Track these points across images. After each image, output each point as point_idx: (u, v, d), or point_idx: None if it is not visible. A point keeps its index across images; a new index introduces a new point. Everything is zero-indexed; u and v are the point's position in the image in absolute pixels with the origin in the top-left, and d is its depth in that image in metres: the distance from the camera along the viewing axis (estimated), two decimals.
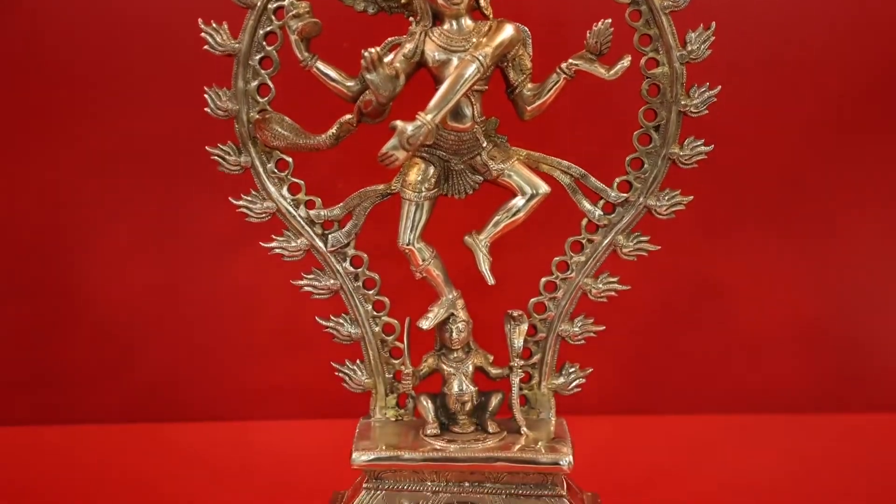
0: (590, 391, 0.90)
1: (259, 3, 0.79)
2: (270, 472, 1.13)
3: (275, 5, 0.80)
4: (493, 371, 0.87)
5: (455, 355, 0.87)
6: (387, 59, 0.78)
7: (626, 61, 0.79)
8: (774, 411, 1.25)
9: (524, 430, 0.86)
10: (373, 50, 0.76)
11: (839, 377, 1.26)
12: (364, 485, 0.85)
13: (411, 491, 0.85)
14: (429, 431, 0.86)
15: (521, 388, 0.87)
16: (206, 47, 0.80)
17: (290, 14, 0.78)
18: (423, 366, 0.87)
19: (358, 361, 0.89)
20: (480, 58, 0.77)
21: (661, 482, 1.09)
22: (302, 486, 1.07)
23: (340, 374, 0.89)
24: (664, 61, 0.80)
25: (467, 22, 0.79)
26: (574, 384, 0.89)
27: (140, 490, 1.09)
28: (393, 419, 0.90)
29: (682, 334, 1.26)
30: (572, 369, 0.89)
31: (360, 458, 0.84)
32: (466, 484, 0.85)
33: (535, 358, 0.89)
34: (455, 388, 0.86)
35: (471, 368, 0.87)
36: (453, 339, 0.86)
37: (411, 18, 0.80)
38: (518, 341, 0.85)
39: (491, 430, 0.86)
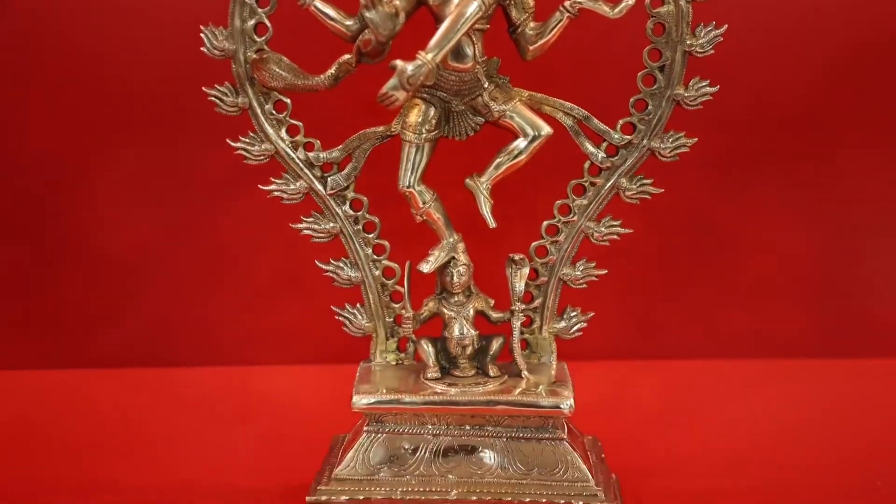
0: (591, 336, 0.90)
1: None
2: (270, 417, 1.13)
3: None
4: (495, 315, 0.87)
5: (456, 299, 0.86)
6: None
7: (630, 0, 0.77)
8: (775, 356, 1.25)
9: (525, 373, 0.86)
10: None
11: (841, 322, 1.26)
12: (365, 428, 0.85)
13: (412, 434, 0.85)
14: (429, 375, 0.86)
15: (522, 332, 0.87)
16: None
17: None
18: (423, 310, 0.87)
19: (358, 305, 0.89)
20: None
21: (661, 427, 1.09)
22: (302, 431, 1.07)
23: (340, 318, 0.89)
24: (670, 0, 0.78)
25: None
26: (575, 328, 0.89)
27: (140, 434, 1.09)
28: (393, 363, 0.89)
29: (684, 279, 1.26)
30: (574, 313, 0.89)
31: (360, 401, 0.84)
32: (467, 427, 0.85)
33: (537, 302, 0.88)
34: (456, 332, 0.86)
35: (472, 312, 0.86)
36: (454, 282, 0.85)
37: None
38: (519, 285, 0.85)
39: (492, 374, 0.86)
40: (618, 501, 0.87)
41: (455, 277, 0.85)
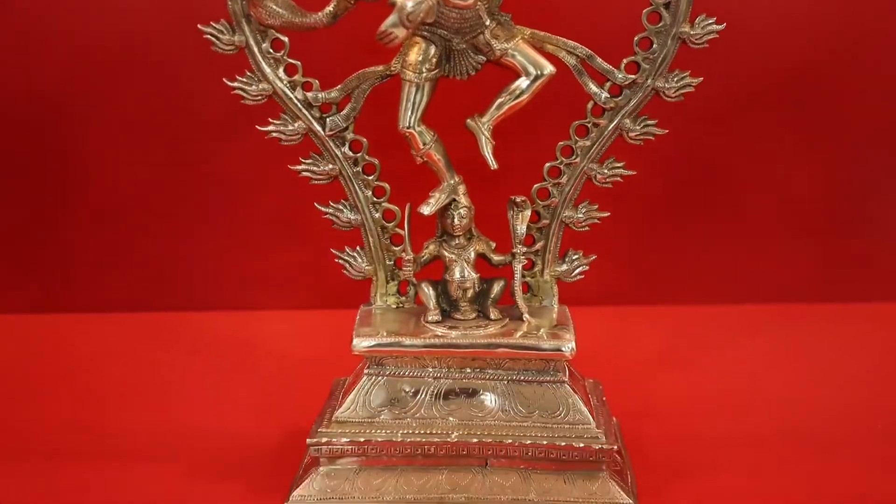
0: (592, 282, 0.90)
1: None
2: (271, 362, 1.13)
3: None
4: (496, 258, 0.86)
5: (457, 242, 0.86)
6: None
7: None
8: (777, 301, 1.25)
9: (526, 316, 0.85)
10: None
11: (844, 266, 1.26)
12: (365, 371, 0.85)
13: (412, 377, 0.84)
14: (430, 318, 0.85)
15: (523, 276, 0.86)
16: None
17: None
18: (424, 252, 0.86)
19: (358, 248, 0.88)
20: None
21: (663, 371, 1.10)
22: (303, 375, 1.07)
23: (340, 261, 0.88)
24: None
25: None
26: (577, 271, 0.88)
27: (140, 378, 1.09)
28: (394, 306, 0.89)
29: (685, 223, 1.25)
30: (575, 256, 0.88)
31: (360, 343, 0.83)
32: (468, 370, 0.84)
33: (538, 245, 0.87)
34: (457, 275, 0.85)
35: (473, 255, 0.86)
36: (455, 225, 0.84)
37: None
38: (521, 227, 0.84)
39: (493, 317, 0.85)
40: (619, 444, 0.87)
41: (456, 220, 0.84)
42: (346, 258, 0.88)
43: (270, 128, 0.84)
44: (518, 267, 0.85)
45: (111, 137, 1.23)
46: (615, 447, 0.82)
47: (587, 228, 0.87)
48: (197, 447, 0.93)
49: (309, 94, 0.82)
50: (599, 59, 0.82)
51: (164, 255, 1.26)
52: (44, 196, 1.25)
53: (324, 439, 0.83)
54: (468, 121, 0.81)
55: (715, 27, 0.79)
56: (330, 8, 0.78)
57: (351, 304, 0.90)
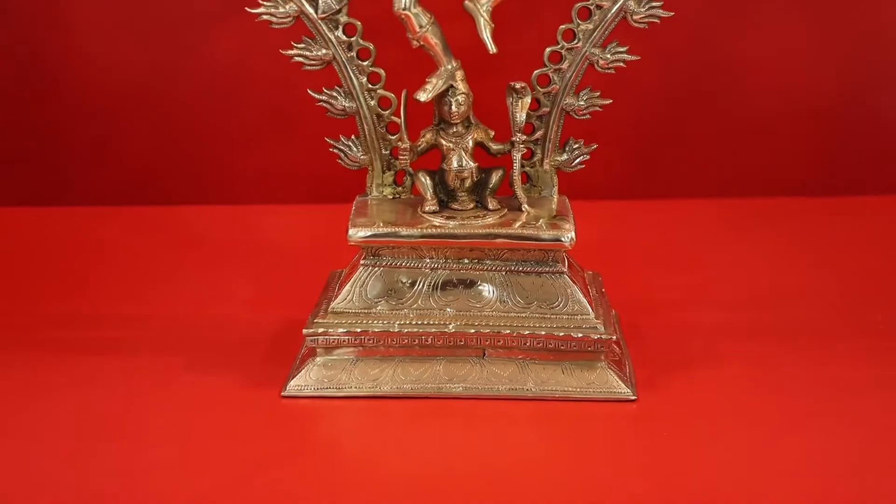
0: (593, 174, 0.88)
1: None
2: (266, 255, 1.12)
3: None
4: (494, 146, 0.84)
5: (454, 130, 0.83)
6: None
7: None
8: (782, 194, 1.23)
9: (525, 207, 0.84)
10: None
11: (849, 158, 1.24)
12: (361, 262, 0.84)
13: (409, 268, 0.83)
14: (427, 208, 0.84)
15: (522, 165, 0.84)
16: None
17: None
18: (420, 141, 0.84)
19: (353, 137, 0.86)
20: None
21: (663, 265, 1.09)
22: (299, 268, 1.06)
23: (335, 150, 0.86)
24: None
25: None
26: (578, 161, 0.86)
27: (133, 270, 1.08)
28: (390, 197, 0.87)
29: (687, 114, 1.22)
30: (576, 145, 0.86)
31: (357, 234, 0.82)
32: (465, 261, 0.83)
33: (538, 133, 0.85)
34: (454, 164, 0.83)
35: (471, 143, 0.83)
36: (452, 112, 0.82)
37: None
38: (520, 115, 0.81)
39: (491, 207, 0.84)
40: (617, 334, 0.86)
41: (453, 107, 0.82)
42: (342, 147, 0.86)
43: (261, 10, 0.81)
44: (517, 156, 0.83)
45: (99, 28, 1.19)
46: (614, 337, 0.82)
47: (588, 116, 0.85)
48: (193, 339, 0.92)
49: None
50: None
51: (154, 148, 1.24)
52: (31, 87, 1.22)
53: (320, 330, 0.82)
54: (466, 2, 0.79)
55: None
56: None
57: (346, 199, 0.88)
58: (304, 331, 0.82)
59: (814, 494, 0.69)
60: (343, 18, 0.81)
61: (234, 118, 1.22)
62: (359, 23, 0.82)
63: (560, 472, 0.72)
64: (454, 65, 0.81)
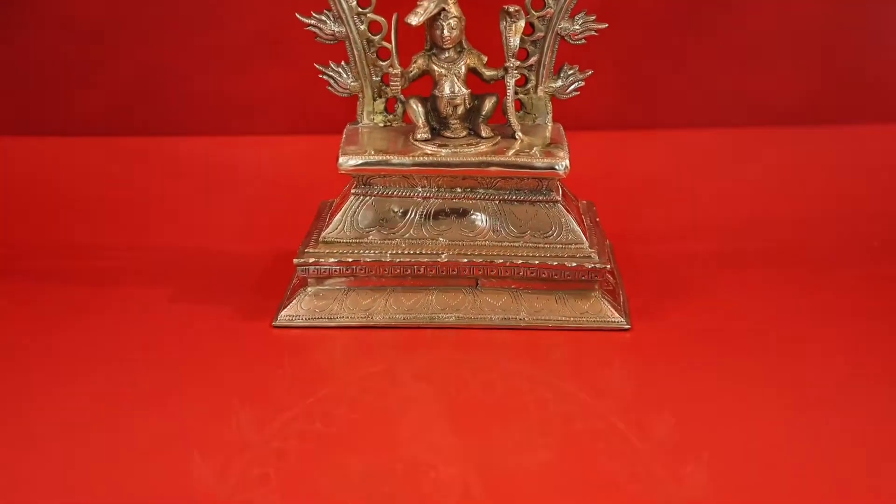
0: (586, 105, 0.86)
1: None
2: (255, 186, 1.10)
3: None
4: (487, 72, 0.82)
5: (446, 55, 0.81)
6: None
7: None
8: (775, 123, 1.22)
9: (519, 134, 0.82)
10: None
11: (843, 87, 1.21)
12: (352, 191, 0.83)
13: (401, 197, 0.82)
14: (419, 136, 0.82)
15: (516, 92, 0.83)
16: None
17: None
18: (412, 66, 0.82)
19: (343, 63, 0.84)
20: None
21: (658, 195, 1.08)
22: (289, 198, 1.05)
23: (325, 77, 0.84)
24: None
25: None
26: (572, 87, 0.84)
27: (119, 201, 1.07)
28: (381, 124, 0.86)
29: (682, 42, 1.20)
30: (571, 71, 0.84)
31: (347, 162, 0.80)
32: (458, 190, 0.82)
33: (533, 59, 0.84)
34: (446, 91, 0.81)
35: (463, 69, 0.82)
36: (444, 36, 0.80)
37: None
38: (514, 40, 0.79)
39: (484, 135, 0.82)
40: (611, 264, 0.86)
41: (445, 31, 0.80)
42: (331, 73, 0.84)
43: None
44: (511, 82, 0.81)
45: None
46: (608, 267, 0.81)
47: (583, 41, 0.83)
48: (183, 269, 0.92)
49: None
50: None
51: (139, 77, 1.21)
52: (12, 14, 1.19)
53: (311, 259, 0.81)
54: None
55: None
56: None
57: (336, 130, 0.86)
58: (295, 260, 0.81)
59: (806, 419, 0.69)
60: None
61: (221, 47, 1.19)
62: None
63: (553, 401, 0.72)
64: None
